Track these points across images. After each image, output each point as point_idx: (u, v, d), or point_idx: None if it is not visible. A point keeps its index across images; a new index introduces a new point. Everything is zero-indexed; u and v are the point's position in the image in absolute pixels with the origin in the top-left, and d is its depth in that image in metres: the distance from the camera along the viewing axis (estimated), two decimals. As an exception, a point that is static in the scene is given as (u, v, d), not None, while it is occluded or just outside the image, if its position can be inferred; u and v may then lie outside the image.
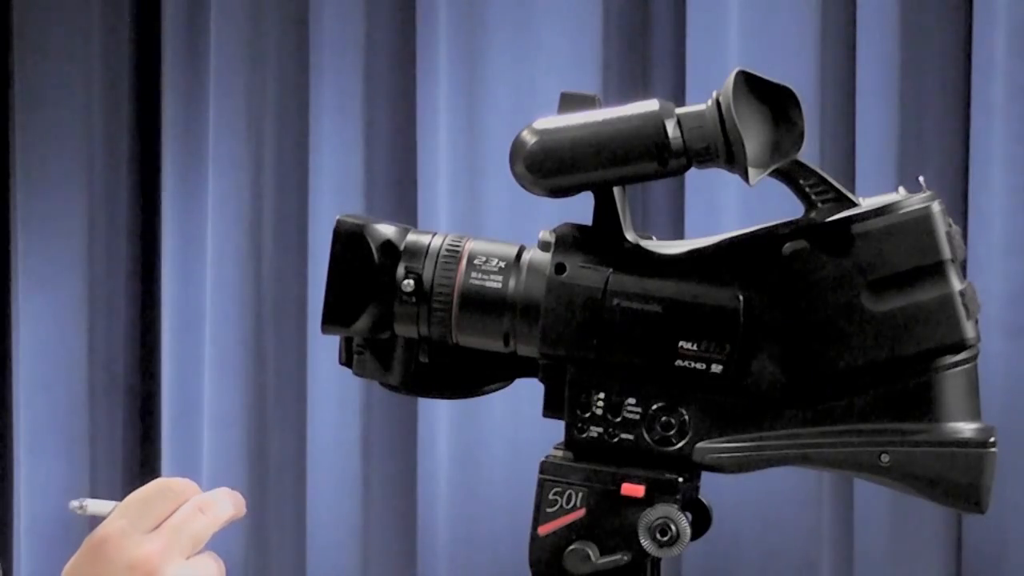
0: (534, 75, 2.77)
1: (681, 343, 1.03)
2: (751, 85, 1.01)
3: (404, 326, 1.08)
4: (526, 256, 1.07)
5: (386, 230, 1.09)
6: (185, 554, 1.11)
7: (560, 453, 1.06)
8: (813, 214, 1.03)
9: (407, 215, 2.85)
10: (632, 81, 2.75)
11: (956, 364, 1.01)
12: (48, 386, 3.16)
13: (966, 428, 1.01)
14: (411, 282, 1.07)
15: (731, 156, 1.01)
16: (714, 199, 2.60)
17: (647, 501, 1.03)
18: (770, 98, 1.01)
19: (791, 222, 1.03)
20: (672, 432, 1.04)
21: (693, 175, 1.05)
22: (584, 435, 1.05)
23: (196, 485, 1.15)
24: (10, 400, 3.22)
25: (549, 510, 1.05)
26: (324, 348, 2.84)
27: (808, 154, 1.02)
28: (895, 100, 2.51)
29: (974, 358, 1.02)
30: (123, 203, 3.20)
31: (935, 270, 1.01)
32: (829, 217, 1.02)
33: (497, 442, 2.79)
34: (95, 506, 1.18)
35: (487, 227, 2.76)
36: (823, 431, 1.02)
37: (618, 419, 1.05)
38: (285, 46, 3.03)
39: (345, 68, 2.94)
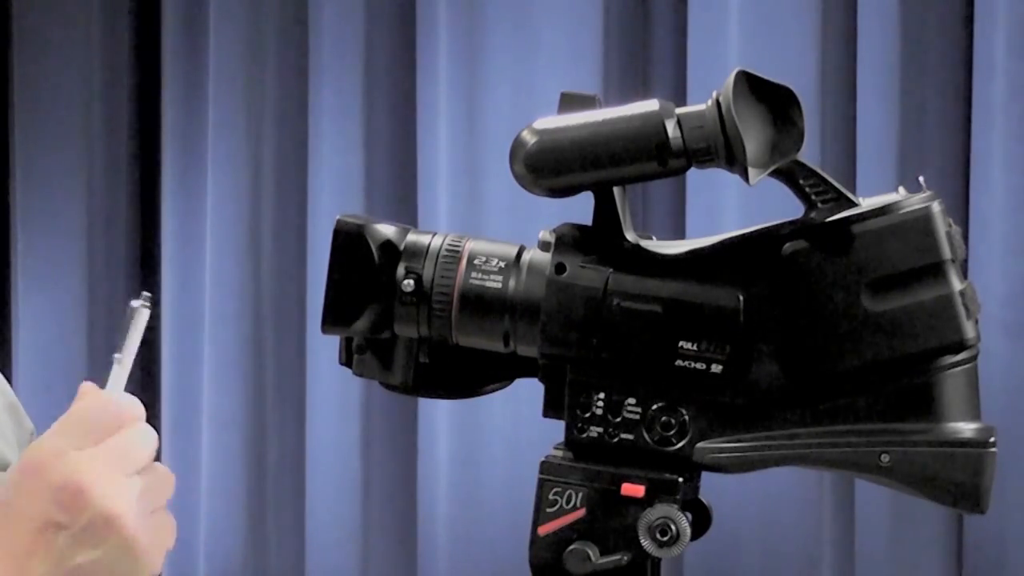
0: (534, 75, 2.77)
1: (681, 343, 1.03)
2: (751, 85, 1.01)
3: (404, 326, 1.08)
4: (526, 256, 1.07)
5: (386, 230, 1.08)
6: (123, 474, 1.06)
7: (560, 453, 1.06)
8: (813, 214, 1.03)
9: (407, 215, 2.85)
10: (632, 81, 2.75)
11: (956, 364, 1.01)
12: (48, 386, 3.16)
13: (966, 428, 1.01)
14: (411, 282, 1.07)
15: (731, 156, 1.01)
16: (714, 199, 2.60)
17: (647, 501, 1.03)
18: (770, 98, 1.01)
19: (791, 222, 1.03)
20: (672, 432, 1.04)
21: (693, 175, 1.05)
22: (584, 435, 1.05)
23: (141, 406, 1.10)
24: (10, 400, 3.22)
25: (549, 510, 1.05)
26: (324, 348, 2.84)
27: (808, 154, 1.02)
28: (895, 100, 2.52)
29: (974, 358, 1.02)
30: (123, 203, 3.20)
31: (935, 270, 1.01)
32: (829, 217, 1.02)
33: (497, 442, 2.79)
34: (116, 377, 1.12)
35: (487, 227, 2.76)
36: (823, 431, 1.02)
37: (618, 419, 1.05)
38: (285, 46, 3.03)
39: (345, 68, 2.94)
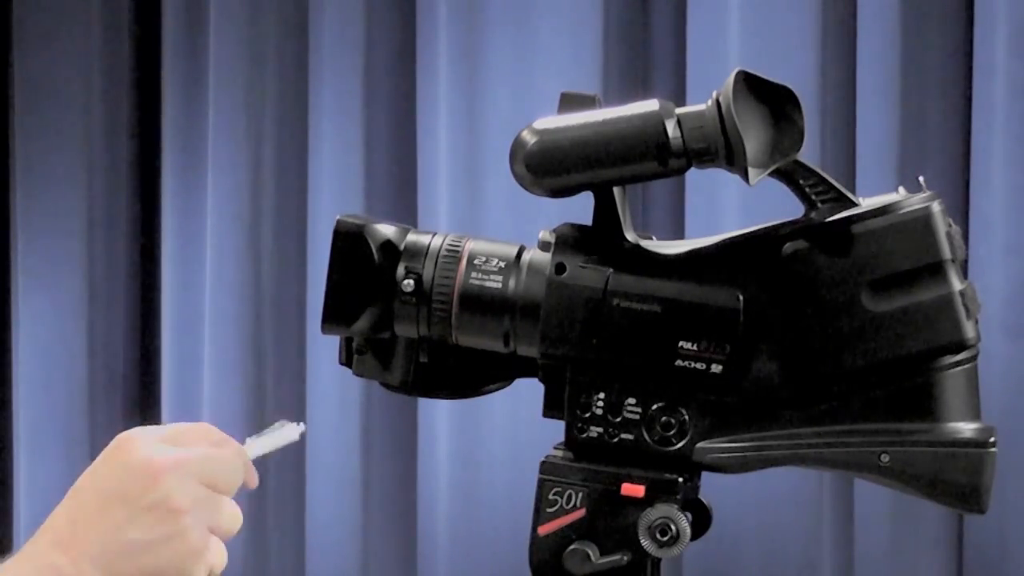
0: (534, 75, 2.77)
1: (681, 343, 1.03)
2: (751, 85, 1.01)
3: (404, 326, 1.08)
4: (526, 256, 1.07)
5: (386, 230, 1.08)
6: (197, 478, 1.09)
7: (560, 453, 1.06)
8: (813, 214, 1.03)
9: (407, 215, 2.85)
10: (632, 81, 2.75)
11: (956, 364, 1.01)
12: (48, 386, 3.16)
13: (966, 428, 1.01)
14: (411, 282, 1.07)
15: (731, 156, 1.01)
16: (714, 199, 2.60)
17: (647, 501, 1.03)
18: (770, 98, 1.01)
19: (791, 222, 1.03)
20: (672, 432, 1.04)
21: (693, 175, 1.05)
22: (584, 435, 1.05)
23: (244, 451, 1.14)
24: (10, 400, 3.22)
25: (549, 510, 1.05)
26: (324, 348, 2.84)
27: (808, 154, 1.02)
28: (895, 100, 2.51)
29: (974, 358, 1.02)
30: (123, 203, 3.20)
31: (935, 270, 1.01)
32: (829, 217, 1.02)
33: (497, 442, 2.79)
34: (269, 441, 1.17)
35: (487, 227, 2.76)
36: (823, 431, 1.02)
37: (618, 419, 1.05)
38: (285, 46, 3.03)
39: (345, 68, 2.94)
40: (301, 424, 1.18)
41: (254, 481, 1.15)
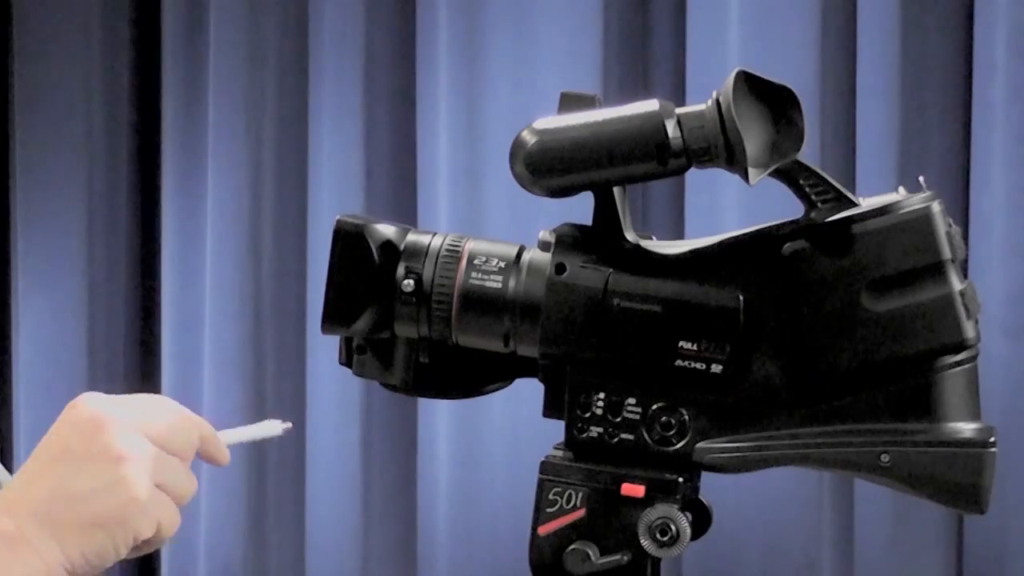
0: (534, 75, 2.77)
1: (681, 343, 1.03)
2: (751, 85, 1.01)
3: (404, 326, 1.08)
4: (526, 256, 1.07)
5: (386, 230, 1.08)
6: (144, 434, 1.09)
7: (560, 453, 1.06)
8: (813, 214, 1.03)
9: (407, 215, 2.85)
10: (632, 81, 2.75)
11: (956, 364, 1.01)
12: (48, 386, 3.16)
13: (966, 428, 1.01)
14: (411, 282, 1.07)
15: (731, 156, 1.01)
16: (714, 199, 2.60)
17: (647, 501, 1.03)
18: (770, 98, 1.01)
19: (791, 222, 1.03)
20: (672, 432, 1.04)
21: (693, 175, 1.05)
22: (584, 435, 1.05)
23: (195, 418, 1.15)
24: (10, 400, 3.22)
25: (549, 510, 1.05)
26: (324, 348, 2.84)
27: (808, 154, 1.02)
28: (895, 100, 2.52)
29: (974, 358, 1.02)
30: (123, 203, 3.20)
31: (935, 270, 1.01)
32: (829, 217, 1.02)
33: (497, 442, 2.79)
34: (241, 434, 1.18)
35: (487, 227, 2.76)
36: (823, 431, 1.02)
37: (618, 419, 1.05)
38: (285, 46, 3.03)
39: (345, 68, 2.95)
40: (288, 423, 1.18)
41: (223, 457, 1.16)
